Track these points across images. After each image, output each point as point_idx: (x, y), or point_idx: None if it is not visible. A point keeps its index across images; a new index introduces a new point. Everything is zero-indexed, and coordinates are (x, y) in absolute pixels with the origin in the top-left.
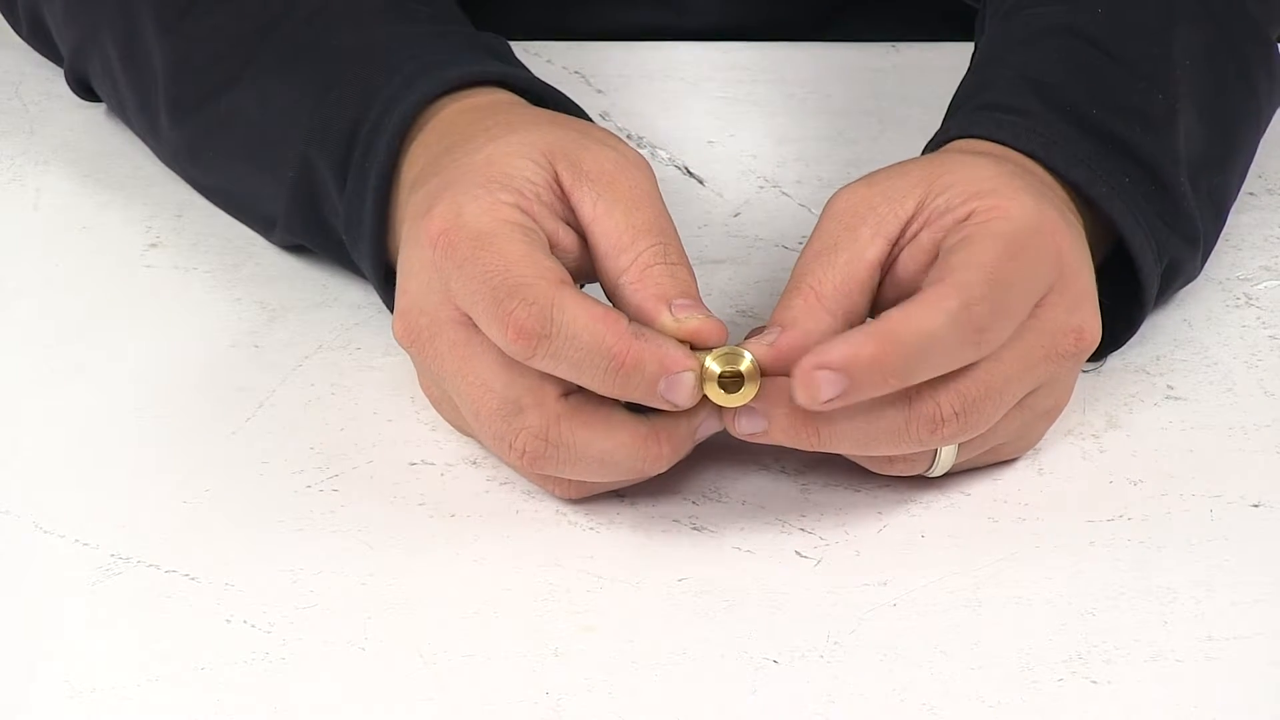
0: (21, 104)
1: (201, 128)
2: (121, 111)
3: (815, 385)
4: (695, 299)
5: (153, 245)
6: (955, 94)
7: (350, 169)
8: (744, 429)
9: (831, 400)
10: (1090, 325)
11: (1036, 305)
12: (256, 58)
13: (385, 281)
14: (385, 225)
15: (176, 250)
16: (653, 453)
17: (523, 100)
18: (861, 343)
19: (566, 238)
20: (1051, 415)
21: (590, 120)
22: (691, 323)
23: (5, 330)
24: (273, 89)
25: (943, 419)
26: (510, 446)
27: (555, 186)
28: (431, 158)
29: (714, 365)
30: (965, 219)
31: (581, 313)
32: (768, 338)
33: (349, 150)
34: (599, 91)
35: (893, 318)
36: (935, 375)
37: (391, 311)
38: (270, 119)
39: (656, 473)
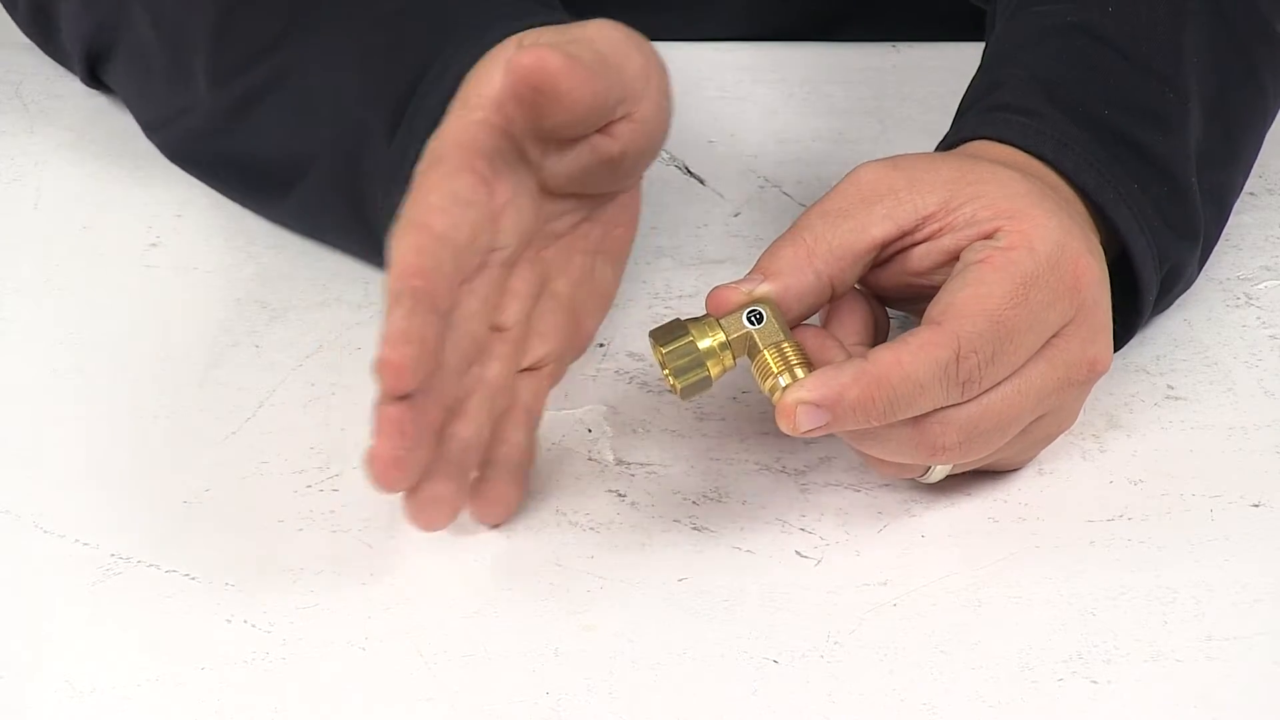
0: (21, 104)
1: (247, 88)
2: (138, 92)
3: (795, 418)
4: None
5: (153, 245)
6: (966, 93)
7: (401, 124)
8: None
9: (811, 430)
10: (1104, 355)
11: (1054, 336)
12: (310, 16)
13: None
14: None
15: (176, 250)
16: None
17: None
18: (847, 384)
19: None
20: (1054, 438)
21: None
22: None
23: (5, 330)
24: (329, 46)
25: (945, 447)
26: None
27: None
28: None
29: (783, 381)
30: (990, 235)
31: None
32: (746, 285)
33: (403, 107)
34: None
35: (883, 360)
36: (918, 414)
37: None
38: (325, 77)
39: None
